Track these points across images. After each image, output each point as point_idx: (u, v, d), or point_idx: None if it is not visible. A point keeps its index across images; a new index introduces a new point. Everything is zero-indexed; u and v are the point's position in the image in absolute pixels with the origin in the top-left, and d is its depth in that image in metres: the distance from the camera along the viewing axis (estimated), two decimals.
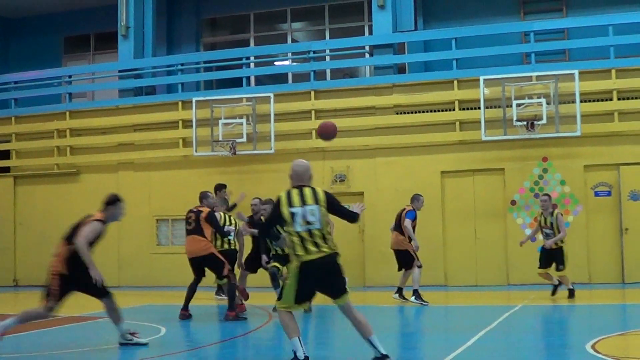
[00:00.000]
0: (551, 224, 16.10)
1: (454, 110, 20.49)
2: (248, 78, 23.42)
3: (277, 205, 8.55)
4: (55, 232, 11.16)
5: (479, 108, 19.65)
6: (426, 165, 20.47)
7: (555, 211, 16.33)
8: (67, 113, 23.84)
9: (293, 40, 25.55)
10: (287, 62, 24.39)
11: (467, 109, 20.38)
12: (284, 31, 25.98)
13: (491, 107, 19.68)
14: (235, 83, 23.03)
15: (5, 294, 20.88)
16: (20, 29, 28.42)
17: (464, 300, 17.37)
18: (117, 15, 23.78)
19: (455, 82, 20.50)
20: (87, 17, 27.02)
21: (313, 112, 21.40)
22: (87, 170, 23.13)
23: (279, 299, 8.56)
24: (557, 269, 16.11)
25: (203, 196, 14.12)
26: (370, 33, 23.21)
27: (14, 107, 24.73)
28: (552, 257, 16.17)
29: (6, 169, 24.59)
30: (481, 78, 19.65)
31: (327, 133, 9.90)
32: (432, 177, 20.38)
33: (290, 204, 8.44)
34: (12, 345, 10.57)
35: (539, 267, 16.42)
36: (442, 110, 20.65)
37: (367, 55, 22.75)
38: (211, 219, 13.67)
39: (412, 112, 20.91)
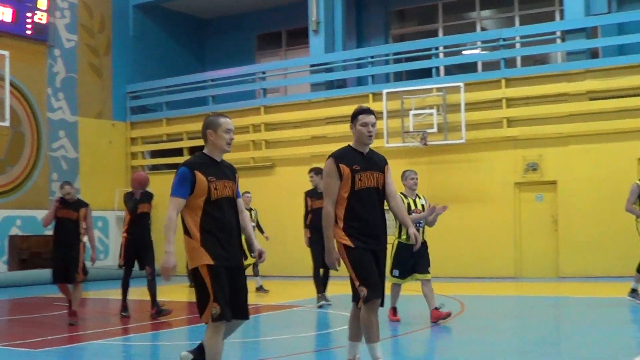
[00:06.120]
0: None
1: None
2: (437, 68, 23.45)
3: None
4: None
5: None
6: (622, 153, 19.65)
7: None
8: (262, 108, 24.72)
9: (482, 29, 25.37)
10: (476, 51, 24.18)
11: None
12: (473, 20, 25.86)
13: None
14: (425, 74, 23.03)
15: None
16: (214, 29, 29.74)
17: None
18: (307, 11, 24.43)
19: None
20: (278, 14, 27.93)
21: (504, 100, 21.15)
22: (282, 164, 23.77)
23: None
24: None
25: None
26: (562, 18, 22.71)
27: (211, 104, 25.86)
28: None
29: None
30: None
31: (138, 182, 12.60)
32: (628, 165, 19.46)
33: None
34: None
35: None
36: (639, 95, 19.74)
37: (558, 40, 22.13)
38: None
39: (606, 98, 20.17)
